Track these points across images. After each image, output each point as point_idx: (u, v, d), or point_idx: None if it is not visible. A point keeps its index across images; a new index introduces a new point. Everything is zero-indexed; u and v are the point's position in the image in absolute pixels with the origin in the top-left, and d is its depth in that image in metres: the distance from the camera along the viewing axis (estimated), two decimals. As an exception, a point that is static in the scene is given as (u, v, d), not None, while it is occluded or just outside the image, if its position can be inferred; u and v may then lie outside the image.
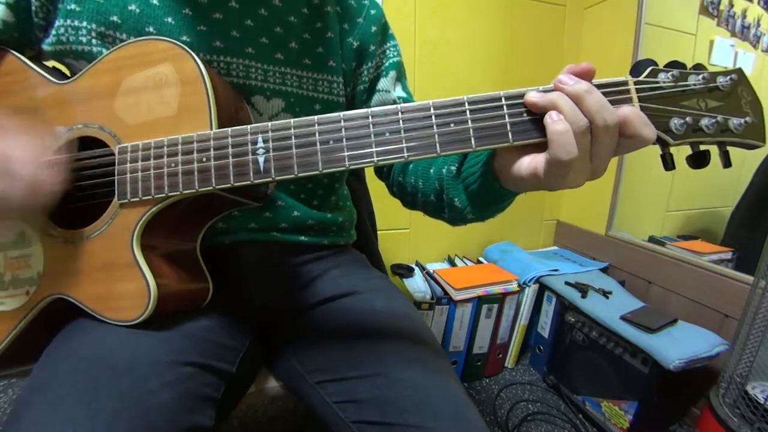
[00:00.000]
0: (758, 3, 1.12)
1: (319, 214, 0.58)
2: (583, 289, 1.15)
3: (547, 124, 0.32)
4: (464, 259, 1.41)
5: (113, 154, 0.39)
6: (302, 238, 0.56)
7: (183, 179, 0.37)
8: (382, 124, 0.35)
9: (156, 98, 0.39)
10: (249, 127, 0.37)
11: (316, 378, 0.48)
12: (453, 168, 0.44)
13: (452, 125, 0.34)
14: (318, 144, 0.35)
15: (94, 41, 0.43)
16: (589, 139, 0.32)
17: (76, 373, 0.35)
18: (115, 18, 0.43)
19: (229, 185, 0.37)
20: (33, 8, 0.43)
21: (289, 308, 0.56)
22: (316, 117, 0.36)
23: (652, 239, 1.28)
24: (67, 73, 0.47)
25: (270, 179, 0.36)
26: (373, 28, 0.56)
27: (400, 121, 0.35)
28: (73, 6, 0.42)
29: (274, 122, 0.36)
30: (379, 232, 0.84)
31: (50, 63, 0.46)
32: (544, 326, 1.27)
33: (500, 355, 1.29)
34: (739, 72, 0.33)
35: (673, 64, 0.33)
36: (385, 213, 0.85)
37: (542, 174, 0.33)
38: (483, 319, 1.19)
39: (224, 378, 0.43)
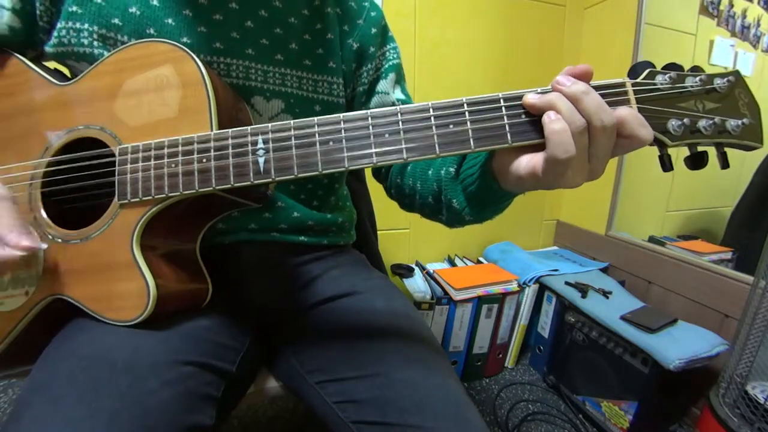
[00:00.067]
0: (758, 3, 1.12)
1: (319, 215, 0.58)
2: (583, 289, 1.15)
3: (544, 123, 0.32)
4: (464, 259, 1.42)
5: (114, 155, 0.39)
6: (302, 238, 0.56)
7: (183, 180, 0.37)
8: (381, 125, 0.35)
9: (157, 100, 0.40)
10: (249, 128, 0.37)
11: (316, 378, 0.48)
12: (451, 169, 0.45)
13: (451, 126, 0.34)
14: (318, 145, 0.36)
15: (95, 43, 0.43)
16: (587, 140, 0.32)
17: (76, 372, 0.35)
18: (116, 20, 0.43)
19: (229, 186, 0.37)
20: (38, 13, 0.43)
21: (289, 308, 0.56)
22: (315, 118, 0.36)
23: (652, 239, 1.28)
24: (69, 74, 0.47)
25: (270, 180, 0.36)
26: (373, 30, 0.57)
27: (400, 122, 0.35)
28: (74, 8, 0.43)
29: (274, 123, 0.37)
30: (379, 232, 0.84)
31: (51, 64, 0.46)
32: (544, 326, 1.27)
33: (500, 355, 1.29)
34: (736, 74, 0.33)
35: (671, 66, 0.34)
36: (385, 213, 0.85)
37: (540, 173, 0.33)
38: (483, 319, 1.19)
39: (224, 377, 0.43)
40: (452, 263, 1.39)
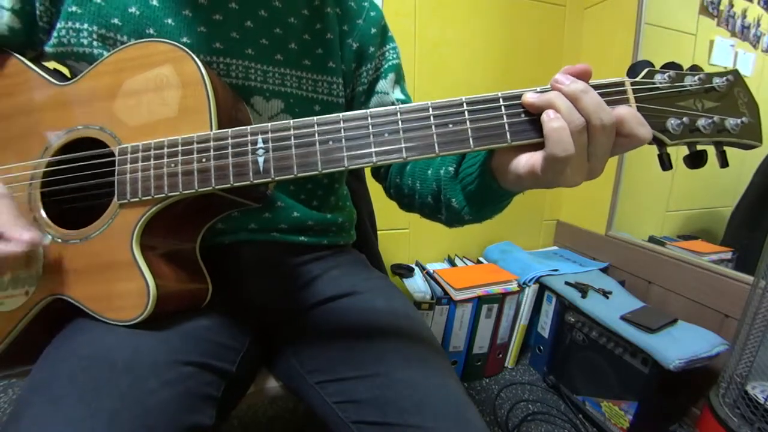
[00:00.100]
0: (758, 3, 1.12)
1: (319, 215, 0.58)
2: (583, 289, 1.15)
3: (543, 121, 0.32)
4: (464, 259, 1.42)
5: (113, 155, 0.39)
6: (302, 238, 0.56)
7: (183, 179, 0.37)
8: (381, 125, 0.35)
9: (156, 100, 0.40)
10: (249, 127, 0.37)
11: (316, 378, 0.48)
12: (451, 168, 0.45)
13: (451, 126, 0.34)
14: (317, 144, 0.36)
15: (95, 43, 0.43)
16: (586, 138, 0.32)
17: (76, 372, 0.35)
18: (115, 20, 0.44)
19: (229, 185, 0.37)
20: (37, 13, 0.43)
21: (289, 308, 0.56)
22: (315, 118, 0.36)
23: (652, 239, 1.28)
24: (68, 74, 0.47)
25: (269, 179, 0.36)
26: (373, 30, 0.57)
27: (399, 122, 0.35)
28: (74, 8, 0.43)
29: (273, 123, 0.37)
30: (379, 232, 0.84)
31: (51, 64, 0.46)
32: (544, 326, 1.27)
33: (500, 355, 1.29)
34: (735, 73, 0.33)
35: (670, 65, 0.34)
36: (385, 213, 0.85)
37: (540, 171, 0.33)
38: (483, 319, 1.19)
39: (224, 377, 0.43)
40: (452, 263, 1.39)
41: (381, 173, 0.62)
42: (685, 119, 0.33)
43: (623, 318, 1.01)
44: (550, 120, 0.32)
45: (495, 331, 1.23)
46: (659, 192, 1.32)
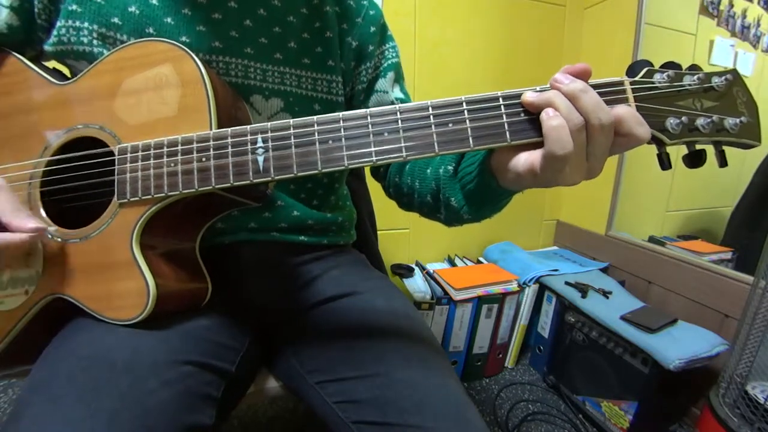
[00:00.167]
0: (758, 3, 1.12)
1: (319, 214, 0.58)
2: (583, 289, 1.15)
3: (542, 120, 0.32)
4: (464, 259, 1.42)
5: (113, 154, 0.39)
6: (302, 238, 0.56)
7: (182, 179, 0.37)
8: (380, 124, 0.35)
9: (156, 99, 0.40)
10: (249, 127, 0.37)
11: (316, 378, 0.48)
12: (450, 168, 0.45)
13: (450, 125, 0.34)
14: (317, 143, 0.36)
15: (94, 42, 0.43)
16: (585, 137, 0.32)
17: (76, 372, 0.35)
18: (115, 19, 0.44)
19: (229, 185, 0.37)
20: (36, 10, 0.43)
21: (289, 308, 0.56)
22: (315, 117, 0.36)
23: (652, 239, 1.28)
24: (68, 73, 0.47)
25: (269, 179, 0.36)
26: (372, 29, 0.57)
27: (399, 121, 0.35)
28: (74, 7, 0.43)
29: (273, 122, 0.37)
30: (379, 232, 0.84)
31: (51, 64, 0.46)
32: (544, 326, 1.27)
33: (500, 355, 1.29)
34: (734, 72, 0.33)
35: (669, 65, 0.34)
36: (385, 213, 0.85)
37: (539, 170, 0.33)
38: (483, 319, 1.19)
39: (224, 377, 0.43)
40: (452, 263, 1.39)
41: (380, 172, 0.62)
42: (684, 119, 0.33)
43: (623, 318, 1.01)
44: (549, 118, 0.32)
45: (495, 331, 1.22)
46: (659, 192, 1.32)
